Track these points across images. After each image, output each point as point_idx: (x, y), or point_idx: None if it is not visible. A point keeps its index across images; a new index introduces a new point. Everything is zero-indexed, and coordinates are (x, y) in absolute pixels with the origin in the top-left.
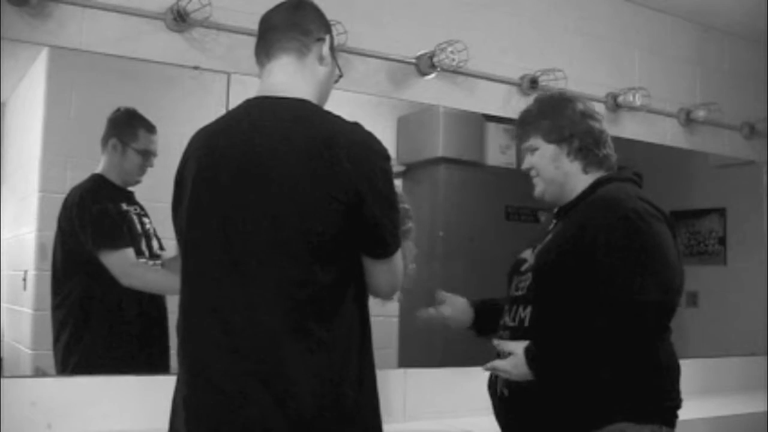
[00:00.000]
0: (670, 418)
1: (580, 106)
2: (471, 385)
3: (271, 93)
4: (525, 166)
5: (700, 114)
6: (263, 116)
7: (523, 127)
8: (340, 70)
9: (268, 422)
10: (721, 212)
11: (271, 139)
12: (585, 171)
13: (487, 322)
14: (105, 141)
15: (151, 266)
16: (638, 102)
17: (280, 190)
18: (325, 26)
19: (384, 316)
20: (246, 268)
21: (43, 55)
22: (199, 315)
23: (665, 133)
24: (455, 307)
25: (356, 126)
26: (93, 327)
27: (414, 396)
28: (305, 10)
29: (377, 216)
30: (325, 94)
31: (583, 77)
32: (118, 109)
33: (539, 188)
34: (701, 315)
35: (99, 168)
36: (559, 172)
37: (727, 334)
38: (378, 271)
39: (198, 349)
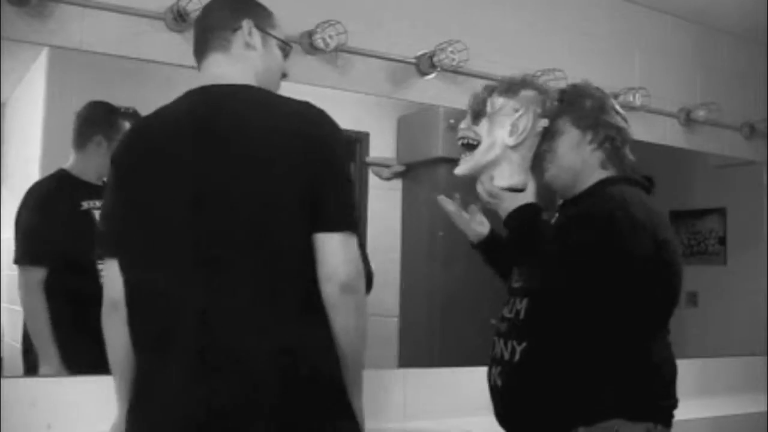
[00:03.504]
0: (666, 418)
1: (616, 104)
2: (471, 385)
3: (214, 82)
4: (542, 148)
5: (700, 114)
6: (217, 103)
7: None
8: (284, 42)
9: (233, 403)
10: (721, 212)
11: (226, 125)
12: (603, 165)
13: (498, 247)
14: (85, 138)
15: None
16: (638, 102)
17: (237, 171)
18: (241, 12)
19: (383, 316)
20: (213, 255)
21: (43, 55)
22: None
23: (665, 133)
24: (477, 216)
25: (307, 104)
26: (90, 326)
27: (414, 396)
28: (214, 7)
29: (334, 191)
30: (268, 77)
31: (583, 77)
32: (89, 104)
33: (551, 173)
34: (701, 315)
35: (69, 163)
36: (577, 159)
37: (727, 334)
38: (335, 245)
39: (165, 345)
